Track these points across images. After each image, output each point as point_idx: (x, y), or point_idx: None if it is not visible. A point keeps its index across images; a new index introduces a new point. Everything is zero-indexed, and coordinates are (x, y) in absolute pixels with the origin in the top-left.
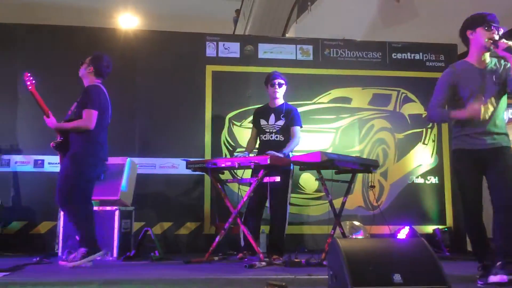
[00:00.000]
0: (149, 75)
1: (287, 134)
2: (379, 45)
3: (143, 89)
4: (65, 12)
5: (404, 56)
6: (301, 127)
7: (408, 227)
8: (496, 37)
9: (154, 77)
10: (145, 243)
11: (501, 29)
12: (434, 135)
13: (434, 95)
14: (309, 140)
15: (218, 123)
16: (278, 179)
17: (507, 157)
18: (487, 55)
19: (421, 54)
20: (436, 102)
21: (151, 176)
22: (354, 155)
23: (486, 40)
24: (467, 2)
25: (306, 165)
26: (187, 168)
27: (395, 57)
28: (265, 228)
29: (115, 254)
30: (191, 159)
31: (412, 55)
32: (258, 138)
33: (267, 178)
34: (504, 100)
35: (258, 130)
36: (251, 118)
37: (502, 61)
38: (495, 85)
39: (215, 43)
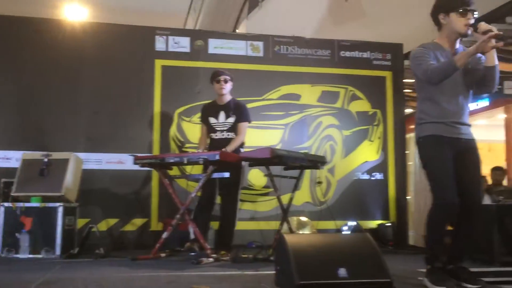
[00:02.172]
0: (96, 68)
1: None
2: (328, 43)
3: (89, 83)
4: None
5: (352, 54)
6: (250, 122)
7: (354, 222)
8: (472, 21)
9: (101, 71)
10: (90, 240)
11: (476, 11)
12: (380, 132)
13: (420, 65)
14: (258, 136)
15: (166, 118)
16: (227, 174)
17: (477, 152)
18: (458, 40)
19: (368, 52)
20: (427, 62)
21: (97, 171)
22: (302, 151)
23: (463, 26)
24: (414, 1)
25: (255, 161)
26: (134, 163)
27: (344, 55)
28: (213, 224)
29: (57, 252)
30: (139, 155)
31: (360, 53)
32: (208, 135)
33: (216, 174)
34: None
35: (207, 127)
36: (200, 113)
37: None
38: (466, 73)
39: (165, 37)
